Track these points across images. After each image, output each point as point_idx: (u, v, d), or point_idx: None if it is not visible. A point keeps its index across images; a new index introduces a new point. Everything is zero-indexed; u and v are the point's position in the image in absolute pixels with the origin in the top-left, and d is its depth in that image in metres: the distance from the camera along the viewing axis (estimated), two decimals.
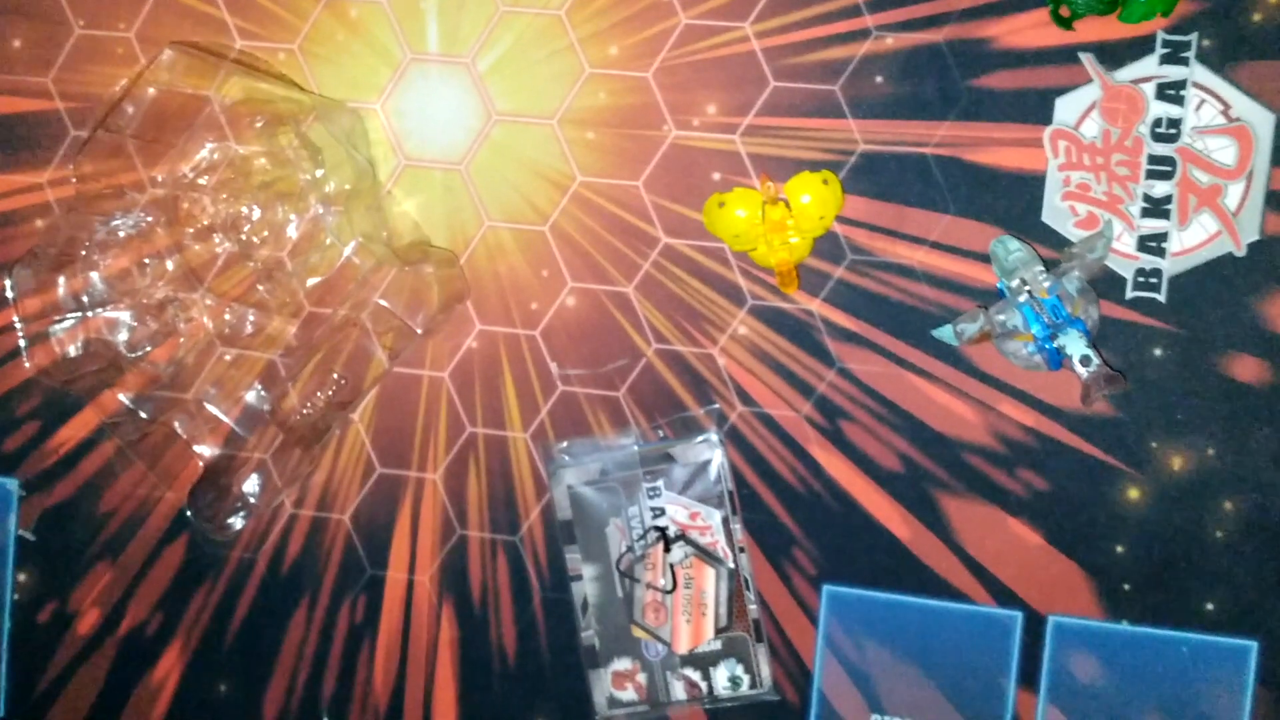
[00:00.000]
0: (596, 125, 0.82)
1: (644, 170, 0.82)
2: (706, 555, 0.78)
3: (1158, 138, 0.77)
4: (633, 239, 0.82)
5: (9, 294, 0.83)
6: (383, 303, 0.82)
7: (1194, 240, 0.77)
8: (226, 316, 0.84)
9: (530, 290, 0.83)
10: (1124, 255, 0.78)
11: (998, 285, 0.78)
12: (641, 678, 0.80)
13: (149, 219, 0.83)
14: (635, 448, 0.80)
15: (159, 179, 0.83)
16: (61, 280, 0.83)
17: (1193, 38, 0.76)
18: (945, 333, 0.78)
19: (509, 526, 0.84)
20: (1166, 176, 0.77)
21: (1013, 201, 0.79)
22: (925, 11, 0.78)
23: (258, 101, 0.82)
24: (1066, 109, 0.78)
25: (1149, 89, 0.77)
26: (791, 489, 0.82)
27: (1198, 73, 0.77)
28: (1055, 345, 0.75)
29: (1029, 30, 0.78)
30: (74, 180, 0.84)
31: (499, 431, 0.84)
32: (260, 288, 0.83)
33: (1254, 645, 0.78)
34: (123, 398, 0.85)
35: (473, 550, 0.85)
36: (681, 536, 0.77)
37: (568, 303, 0.83)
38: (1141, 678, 0.79)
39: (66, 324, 0.83)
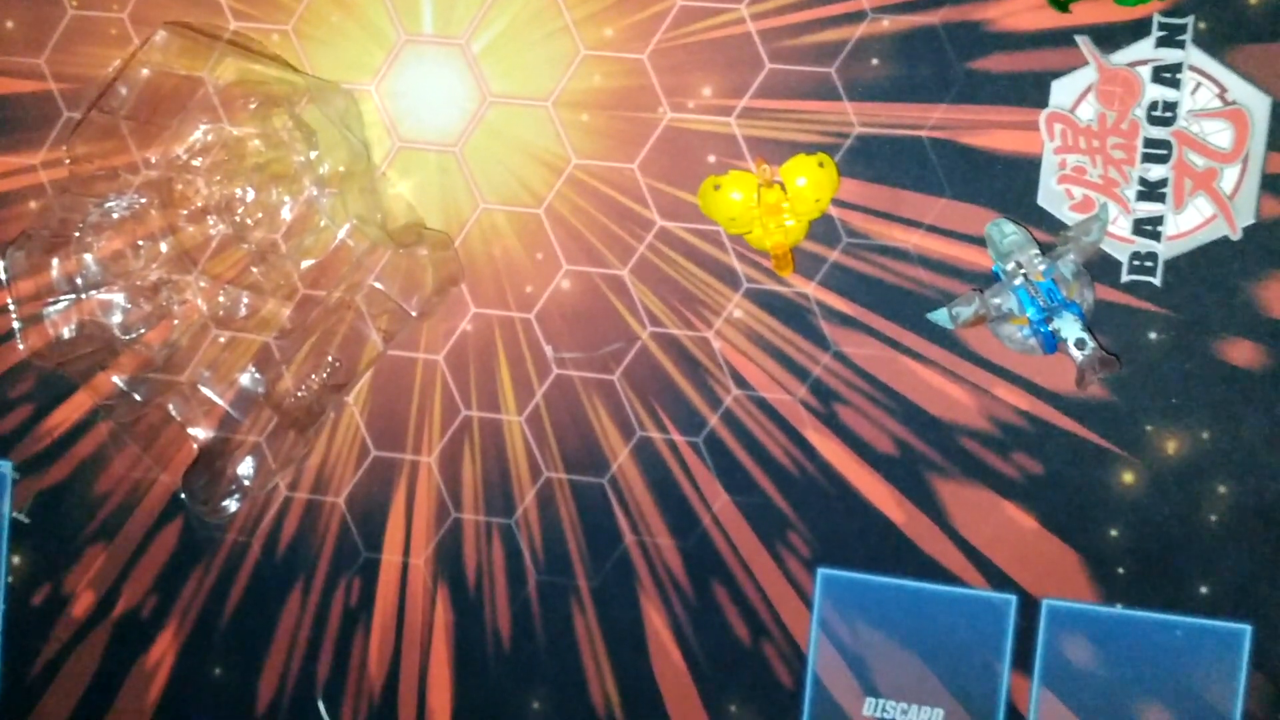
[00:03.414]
0: (591, 107, 0.82)
1: (639, 153, 0.81)
2: None
3: (1154, 121, 0.77)
4: (628, 222, 0.82)
5: (2, 276, 0.83)
6: (377, 285, 0.82)
7: (1189, 224, 0.77)
8: (220, 299, 0.84)
9: (525, 273, 0.83)
10: (1119, 239, 0.78)
11: (993, 268, 0.78)
12: None
13: (143, 201, 0.83)
14: None
15: (153, 161, 0.83)
16: (55, 262, 0.82)
17: (1189, 21, 0.76)
18: (940, 316, 0.78)
19: (504, 510, 0.84)
20: (1162, 160, 0.77)
21: (1008, 185, 0.79)
22: None
23: (252, 83, 0.82)
24: (1062, 92, 0.78)
25: (1145, 72, 0.77)
26: (786, 472, 0.82)
27: (1194, 56, 0.76)
28: (1050, 329, 0.75)
29: (1025, 13, 0.78)
30: (67, 162, 0.83)
31: (494, 415, 0.84)
32: (254, 270, 0.83)
33: (1248, 629, 0.78)
34: (117, 380, 0.85)
35: (468, 533, 0.85)
36: None
37: (563, 286, 0.83)
38: (1136, 661, 0.79)
39: (60, 306, 0.83)
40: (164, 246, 0.83)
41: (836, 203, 0.80)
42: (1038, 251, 0.76)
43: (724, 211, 0.78)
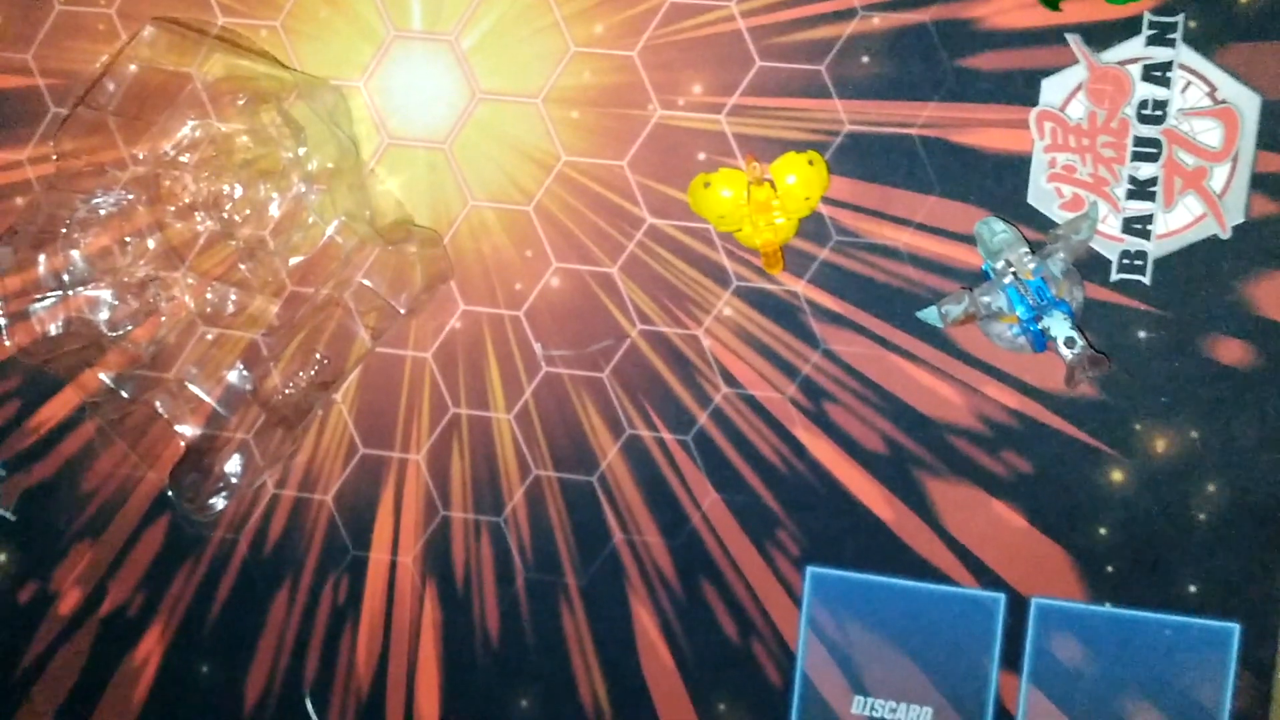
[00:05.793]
0: (581, 104, 0.81)
1: (629, 150, 0.81)
2: None
3: (1144, 119, 0.77)
4: (617, 219, 0.82)
5: None
6: (366, 282, 0.82)
7: (1179, 223, 0.77)
8: (208, 295, 0.83)
9: (514, 270, 0.83)
10: (1109, 237, 0.78)
11: (983, 267, 0.78)
12: None
13: (130, 197, 0.82)
14: None
15: (140, 157, 0.82)
16: (42, 258, 0.82)
17: (1179, 19, 0.76)
18: (930, 314, 0.78)
19: (493, 508, 0.84)
20: (1152, 159, 0.77)
21: (998, 183, 0.79)
22: None
23: (240, 79, 0.82)
24: (1052, 90, 0.78)
25: (1135, 71, 0.77)
26: (775, 470, 0.82)
27: (1184, 54, 0.76)
28: (1040, 327, 0.75)
29: (1015, 11, 0.78)
30: (54, 158, 0.83)
31: (483, 412, 0.84)
32: (242, 266, 0.83)
33: (1236, 628, 0.78)
34: (103, 377, 0.84)
35: (456, 531, 0.85)
36: None
37: (552, 283, 0.83)
38: (1124, 660, 0.80)
39: (47, 303, 0.82)
40: (151, 243, 0.83)
41: (826, 200, 0.80)
42: (1027, 250, 0.76)
43: (714, 209, 0.78)
